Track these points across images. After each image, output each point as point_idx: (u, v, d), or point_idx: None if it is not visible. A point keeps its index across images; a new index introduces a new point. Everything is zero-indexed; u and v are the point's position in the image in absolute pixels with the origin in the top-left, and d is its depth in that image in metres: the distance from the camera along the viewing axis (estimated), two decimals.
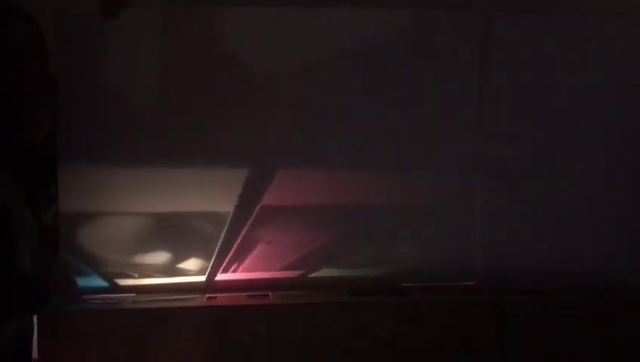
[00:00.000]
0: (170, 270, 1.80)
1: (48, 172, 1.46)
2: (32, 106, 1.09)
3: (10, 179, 1.09)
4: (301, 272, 1.82)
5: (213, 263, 1.79)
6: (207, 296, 1.79)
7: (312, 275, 1.85)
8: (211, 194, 1.77)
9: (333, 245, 1.87)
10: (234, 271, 1.78)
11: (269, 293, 1.76)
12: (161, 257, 1.79)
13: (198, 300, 1.76)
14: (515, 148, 1.91)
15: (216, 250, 1.77)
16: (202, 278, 1.82)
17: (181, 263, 1.84)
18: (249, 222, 1.78)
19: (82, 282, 1.70)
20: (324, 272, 1.86)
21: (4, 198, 1.05)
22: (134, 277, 1.77)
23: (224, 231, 1.76)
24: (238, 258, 1.80)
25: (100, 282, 1.76)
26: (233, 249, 1.77)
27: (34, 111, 1.10)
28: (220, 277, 1.83)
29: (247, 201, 1.77)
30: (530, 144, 1.93)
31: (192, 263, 1.84)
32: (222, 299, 1.78)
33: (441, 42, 1.85)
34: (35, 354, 1.52)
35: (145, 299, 1.74)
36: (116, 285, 1.76)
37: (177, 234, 1.79)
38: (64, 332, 1.58)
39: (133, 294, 1.75)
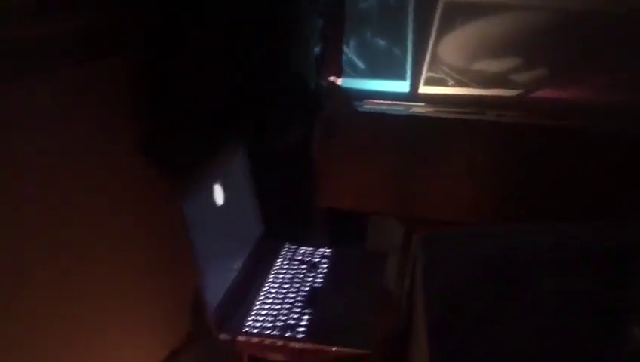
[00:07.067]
0: (495, 80, 1.62)
1: None
2: None
3: None
4: None
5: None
6: (499, 112, 1.56)
7: None
8: None
9: None
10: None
11: None
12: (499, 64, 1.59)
13: (488, 115, 1.56)
14: None
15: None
16: (515, 92, 1.59)
17: (514, 74, 1.62)
18: None
19: (368, 85, 1.65)
20: None
21: None
22: (447, 85, 1.63)
23: None
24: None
25: (384, 86, 1.67)
26: None
27: None
28: (538, 94, 1.57)
29: None
30: None
31: (525, 75, 1.61)
32: (512, 116, 1.55)
33: None
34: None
35: (428, 108, 1.62)
36: (414, 92, 1.65)
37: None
38: (342, 132, 1.61)
39: (423, 104, 1.63)
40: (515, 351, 0.95)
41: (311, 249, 1.40)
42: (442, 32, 1.57)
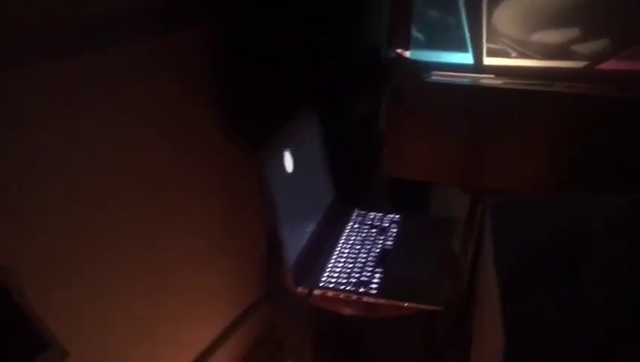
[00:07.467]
0: (558, 52, 1.61)
1: None
2: None
3: None
4: None
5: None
6: (568, 83, 1.55)
7: None
8: None
9: None
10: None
11: None
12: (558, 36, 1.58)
13: (556, 86, 1.55)
14: None
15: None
16: (581, 64, 1.58)
17: (576, 45, 1.61)
18: None
19: (434, 57, 1.67)
20: None
21: None
22: (510, 56, 1.63)
23: None
24: None
25: (456, 58, 1.69)
26: None
27: None
28: (605, 65, 1.55)
29: None
30: None
31: (587, 47, 1.59)
32: (580, 88, 1.53)
33: None
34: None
35: (496, 80, 1.63)
36: (479, 64, 1.66)
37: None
38: (410, 102, 1.64)
39: (492, 75, 1.64)
40: (585, 318, 0.97)
41: (380, 214, 1.46)
42: (494, 1, 1.57)
